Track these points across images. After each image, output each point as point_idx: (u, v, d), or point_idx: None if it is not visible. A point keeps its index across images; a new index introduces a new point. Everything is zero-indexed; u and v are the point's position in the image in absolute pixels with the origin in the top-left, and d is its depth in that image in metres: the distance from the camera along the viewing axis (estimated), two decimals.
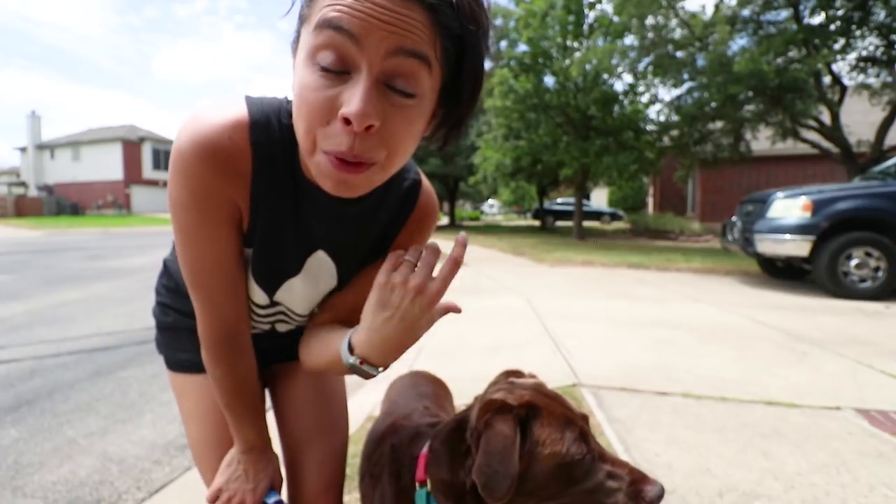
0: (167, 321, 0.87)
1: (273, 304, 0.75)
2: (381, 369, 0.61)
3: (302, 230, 0.66)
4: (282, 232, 0.65)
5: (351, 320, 0.71)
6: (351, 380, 1.03)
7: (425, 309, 0.56)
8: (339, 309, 0.76)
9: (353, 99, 0.45)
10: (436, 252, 0.58)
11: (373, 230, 0.71)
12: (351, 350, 0.61)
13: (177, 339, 0.86)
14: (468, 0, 0.48)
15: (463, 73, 0.51)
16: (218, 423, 0.81)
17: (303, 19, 0.50)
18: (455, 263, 0.55)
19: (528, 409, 0.65)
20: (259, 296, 0.73)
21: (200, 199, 0.57)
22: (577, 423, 0.65)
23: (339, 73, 0.47)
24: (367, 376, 0.62)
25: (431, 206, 0.74)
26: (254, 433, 0.75)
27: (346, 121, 0.46)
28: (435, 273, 0.57)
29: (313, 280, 0.73)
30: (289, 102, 0.61)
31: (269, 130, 0.58)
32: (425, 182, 0.74)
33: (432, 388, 1.04)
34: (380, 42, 0.45)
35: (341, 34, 0.45)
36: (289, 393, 0.92)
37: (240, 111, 0.57)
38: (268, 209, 0.62)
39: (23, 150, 34.43)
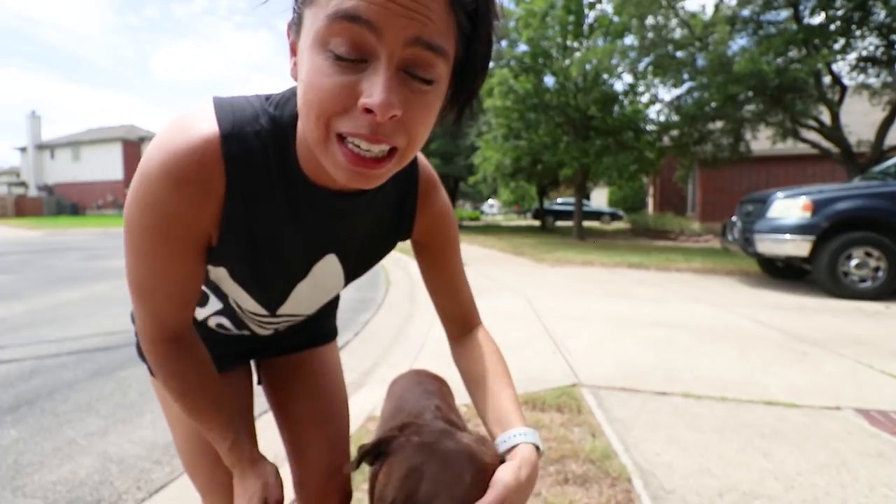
0: None
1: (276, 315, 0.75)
2: None
3: (306, 234, 0.63)
4: (279, 240, 0.62)
5: (461, 315, 0.80)
6: (350, 378, 1.05)
7: None
8: (453, 320, 0.81)
9: (374, 89, 0.43)
10: None
11: (383, 215, 0.69)
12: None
13: None
14: None
15: (476, 47, 0.49)
16: None
17: (307, 0, 0.46)
18: None
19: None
20: (258, 309, 0.72)
21: (164, 225, 0.54)
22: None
23: (356, 61, 0.44)
24: None
25: (432, 176, 0.73)
26: (229, 441, 0.66)
27: (367, 110, 0.44)
28: None
29: (317, 283, 0.72)
30: (266, 100, 0.58)
31: (243, 141, 0.54)
32: (419, 154, 0.71)
33: (437, 385, 1.04)
34: (399, 31, 0.43)
35: (358, 24, 0.42)
36: (290, 385, 0.93)
37: (209, 127, 0.53)
38: (254, 221, 0.58)
39: (23, 150, 34.44)
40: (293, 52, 0.50)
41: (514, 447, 0.60)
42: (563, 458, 1.63)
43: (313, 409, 0.91)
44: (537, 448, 0.62)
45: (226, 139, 0.53)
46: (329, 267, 0.69)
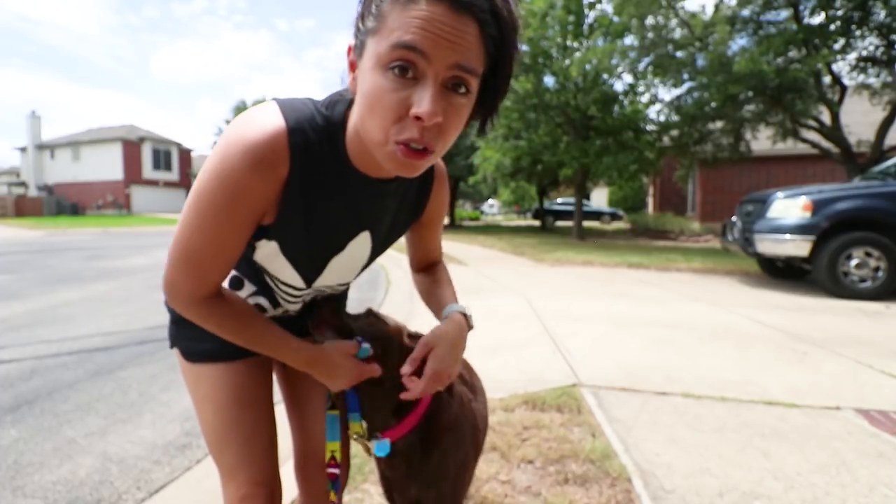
0: None
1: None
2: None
3: (349, 212, 0.76)
4: (326, 217, 0.74)
5: (427, 261, 1.02)
6: None
7: None
8: (419, 262, 1.03)
9: (423, 101, 0.57)
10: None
11: (407, 198, 0.85)
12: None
13: (197, 330, 0.88)
14: (504, 7, 0.58)
15: (499, 67, 0.62)
16: (234, 406, 0.87)
17: (371, 31, 0.59)
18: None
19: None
20: (297, 282, 0.82)
21: (236, 201, 0.65)
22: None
23: (410, 79, 0.57)
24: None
25: (443, 169, 0.90)
26: (294, 343, 0.78)
27: (417, 118, 0.57)
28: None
29: (349, 257, 0.83)
30: (320, 104, 0.71)
31: (304, 134, 0.67)
32: None
33: None
34: (444, 58, 0.56)
35: (415, 53, 0.55)
36: None
37: (278, 120, 0.65)
38: (307, 201, 0.71)
39: (23, 150, 34.41)
40: (352, 69, 0.64)
41: (447, 316, 0.85)
42: (563, 458, 1.63)
43: (321, 385, 0.95)
44: (466, 316, 0.88)
45: (291, 132, 0.65)
46: (361, 243, 0.83)
